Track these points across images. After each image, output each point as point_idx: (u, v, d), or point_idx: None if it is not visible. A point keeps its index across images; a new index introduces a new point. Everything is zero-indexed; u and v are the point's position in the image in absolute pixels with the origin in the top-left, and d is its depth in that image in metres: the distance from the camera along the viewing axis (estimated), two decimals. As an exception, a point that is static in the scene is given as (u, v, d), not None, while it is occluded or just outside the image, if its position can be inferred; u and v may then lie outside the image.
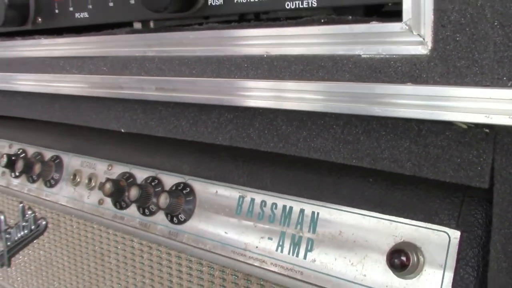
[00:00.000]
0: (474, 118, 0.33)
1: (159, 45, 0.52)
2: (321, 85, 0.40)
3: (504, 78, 0.32)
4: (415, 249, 0.43)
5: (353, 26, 0.38)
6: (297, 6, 0.44)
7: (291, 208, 0.52)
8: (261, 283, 0.53)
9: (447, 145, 0.36)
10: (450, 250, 0.41)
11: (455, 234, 0.41)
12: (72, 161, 0.76)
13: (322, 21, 0.42)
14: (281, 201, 0.52)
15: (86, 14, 0.63)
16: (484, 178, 0.35)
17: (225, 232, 0.56)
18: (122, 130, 0.60)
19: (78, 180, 0.74)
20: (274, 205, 0.53)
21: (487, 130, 0.34)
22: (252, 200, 0.55)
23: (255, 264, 0.53)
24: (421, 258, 0.43)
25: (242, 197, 0.55)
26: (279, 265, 0.51)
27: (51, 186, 0.77)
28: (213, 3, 0.49)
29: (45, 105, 0.70)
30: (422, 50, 0.36)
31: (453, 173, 0.36)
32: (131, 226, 0.65)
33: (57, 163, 0.77)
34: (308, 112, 0.44)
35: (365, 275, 0.45)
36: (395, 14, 0.37)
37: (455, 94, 0.34)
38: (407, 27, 0.36)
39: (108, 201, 0.69)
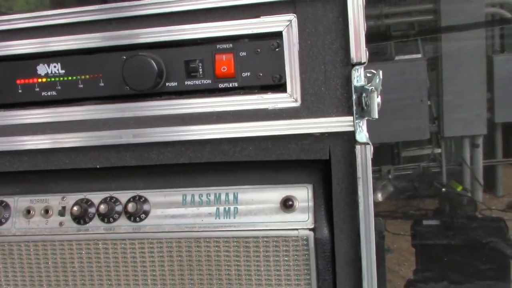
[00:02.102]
0: (321, 130, 0.83)
1: (135, 109, 0.87)
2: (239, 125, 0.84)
3: (331, 113, 0.82)
4: (293, 197, 0.90)
5: (263, 95, 0.84)
6: (225, 86, 0.87)
7: (219, 194, 0.92)
8: (207, 241, 0.92)
9: (311, 143, 0.84)
10: (309, 194, 0.90)
11: (310, 187, 0.90)
12: (19, 203, 0.98)
13: (242, 92, 0.86)
14: (212, 191, 0.93)
15: (54, 93, 0.91)
16: (326, 155, 0.84)
17: (178, 217, 0.93)
18: (97, 166, 0.91)
19: (33, 213, 0.97)
20: (208, 194, 0.93)
21: (327, 134, 0.84)
22: (192, 195, 0.93)
23: (203, 230, 0.92)
24: (296, 202, 0.90)
25: (184, 195, 0.93)
26: (219, 227, 0.91)
27: (1, 224, 0.97)
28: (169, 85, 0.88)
29: (11, 158, 0.93)
30: (296, 104, 0.83)
31: (314, 155, 0.85)
32: (96, 233, 0.94)
33: (4, 205, 0.98)
34: (229, 138, 0.87)
35: (270, 217, 0.90)
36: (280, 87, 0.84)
37: (314, 122, 0.83)
38: (289, 95, 0.83)
39: (69, 222, 0.95)
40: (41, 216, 0.96)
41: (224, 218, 0.91)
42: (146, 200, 0.94)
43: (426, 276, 2.40)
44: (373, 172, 0.83)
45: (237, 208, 0.91)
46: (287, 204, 0.88)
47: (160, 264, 0.93)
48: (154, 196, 0.94)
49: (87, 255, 0.95)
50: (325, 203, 0.89)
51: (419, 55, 3.52)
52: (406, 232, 3.17)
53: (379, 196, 3.87)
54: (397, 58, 3.54)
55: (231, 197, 0.91)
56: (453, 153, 4.11)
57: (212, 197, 0.92)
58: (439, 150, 3.95)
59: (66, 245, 0.96)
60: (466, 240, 2.38)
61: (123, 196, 0.94)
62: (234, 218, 0.91)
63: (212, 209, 0.92)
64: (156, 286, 0.94)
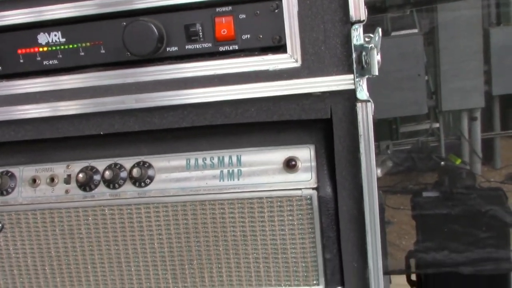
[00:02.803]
0: (322, 89, 0.84)
1: (137, 75, 0.88)
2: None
3: (332, 72, 0.83)
4: (296, 158, 0.91)
5: (263, 56, 0.85)
6: (226, 49, 0.87)
7: (223, 157, 0.94)
8: (212, 203, 0.93)
9: (312, 102, 0.85)
10: (312, 154, 0.91)
11: (313, 147, 0.91)
12: (24, 173, 0.99)
13: (242, 55, 0.86)
14: (215, 154, 0.94)
15: (55, 61, 0.92)
16: (327, 114, 0.85)
17: (182, 181, 0.94)
18: (101, 133, 0.92)
19: (38, 182, 0.98)
20: (212, 158, 0.94)
21: (327, 93, 0.85)
22: (196, 159, 0.94)
23: (207, 193, 0.93)
24: (299, 162, 0.91)
25: (188, 159, 0.94)
26: (223, 189, 0.93)
27: (8, 193, 0.98)
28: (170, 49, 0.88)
29: (16, 128, 0.94)
30: (296, 64, 0.84)
31: (315, 114, 0.86)
32: (102, 199, 0.96)
33: (10, 175, 0.99)
34: (231, 101, 0.88)
35: (273, 178, 0.91)
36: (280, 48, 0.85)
37: (314, 81, 0.83)
38: (289, 55, 0.84)
39: (75, 189, 0.97)
40: (47, 184, 0.97)
41: (228, 180, 0.92)
42: (150, 166, 0.95)
43: (426, 246, 2.42)
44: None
45: (240, 170, 0.92)
46: (290, 165, 0.90)
47: (166, 228, 0.94)
48: (158, 161, 0.95)
49: (94, 222, 0.97)
50: (327, 163, 0.90)
51: (415, 30, 3.51)
52: (406, 206, 3.20)
53: (379, 172, 3.88)
54: (393, 34, 3.53)
55: (234, 159, 0.93)
56: (451, 127, 4.13)
57: (215, 160, 0.93)
58: (437, 125, 3.96)
59: (73, 212, 0.97)
60: (465, 210, 2.41)
61: (128, 162, 0.96)
62: (238, 180, 0.92)
63: (216, 172, 0.93)
64: (163, 249, 0.95)
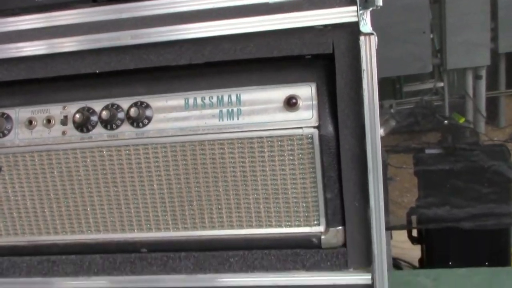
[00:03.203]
0: (324, 22, 0.81)
1: (132, 9, 0.85)
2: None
3: (334, 4, 0.80)
4: (297, 96, 0.88)
5: (263, -13, 0.81)
6: None
7: (222, 96, 0.91)
8: (211, 143, 0.92)
9: (314, 37, 0.83)
10: (313, 92, 0.88)
11: (314, 85, 0.88)
12: (20, 114, 0.97)
13: None
14: (214, 93, 0.91)
15: (47, -5, 0.89)
16: (329, 48, 0.83)
17: (181, 121, 0.92)
18: (97, 71, 0.89)
19: (35, 124, 0.96)
20: (210, 97, 0.92)
21: (330, 27, 0.82)
22: (195, 98, 0.92)
23: (206, 133, 0.91)
24: (300, 100, 0.89)
25: (187, 98, 0.92)
26: (223, 129, 0.91)
27: (4, 135, 0.97)
28: (166, -19, 0.85)
29: (8, 67, 0.91)
30: (297, -4, 0.81)
31: (317, 49, 0.83)
32: (100, 140, 0.94)
33: (6, 117, 0.97)
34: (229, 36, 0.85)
35: (274, 117, 0.89)
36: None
37: (316, 13, 0.80)
38: (290, -14, 0.81)
39: (72, 130, 0.95)
40: (43, 126, 0.96)
41: (227, 119, 0.90)
42: (148, 106, 0.93)
43: (428, 202, 2.42)
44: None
45: (240, 109, 0.90)
46: (290, 103, 0.87)
47: (165, 169, 0.93)
48: (156, 101, 0.93)
49: (92, 163, 0.95)
50: (329, 101, 0.88)
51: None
52: (409, 165, 3.19)
53: (381, 131, 3.86)
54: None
55: (234, 98, 0.90)
56: (455, 86, 4.08)
57: (214, 99, 0.91)
58: (441, 84, 3.91)
59: (70, 153, 0.95)
60: (468, 166, 2.39)
61: (125, 102, 0.93)
62: (238, 119, 0.90)
63: (215, 111, 0.91)
64: (162, 191, 0.94)
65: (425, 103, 4.01)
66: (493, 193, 2.32)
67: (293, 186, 0.90)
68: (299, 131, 0.88)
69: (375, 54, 0.81)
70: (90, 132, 0.94)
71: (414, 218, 2.56)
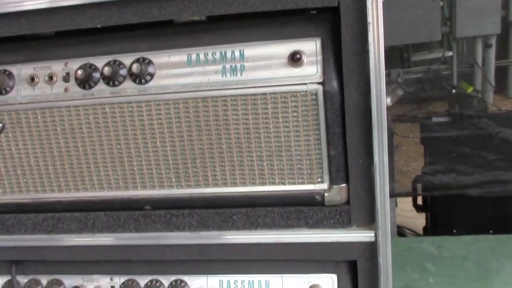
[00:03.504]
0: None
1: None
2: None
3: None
4: (301, 51, 0.87)
5: None
6: None
7: (225, 51, 0.90)
8: (214, 100, 0.91)
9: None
10: (318, 48, 0.87)
11: (319, 40, 0.87)
12: (22, 71, 0.96)
13: None
14: (218, 49, 0.90)
15: None
16: (334, 1, 0.81)
17: (183, 77, 0.91)
18: (99, 26, 0.88)
19: (37, 80, 0.95)
20: (213, 53, 0.90)
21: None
22: (197, 54, 0.91)
23: (209, 89, 0.90)
24: (304, 56, 0.87)
25: (189, 54, 0.91)
26: (226, 85, 0.90)
27: (6, 92, 0.96)
28: None
29: (9, 22, 0.90)
30: None
31: (322, 1, 0.81)
32: (102, 97, 0.93)
33: (8, 74, 0.96)
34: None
35: (277, 72, 0.88)
36: None
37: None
38: None
39: (74, 87, 0.94)
40: (45, 83, 0.95)
41: (230, 75, 0.89)
42: (150, 62, 0.91)
43: (434, 169, 2.42)
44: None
45: (243, 65, 0.89)
46: (294, 58, 0.86)
47: (168, 126, 0.93)
48: (158, 57, 0.91)
49: (95, 120, 0.95)
50: (334, 56, 0.86)
51: None
52: (415, 135, 3.17)
53: (388, 101, 3.83)
54: None
55: (237, 54, 0.89)
56: (464, 55, 4.02)
57: (217, 55, 0.90)
58: (450, 53, 3.86)
59: (73, 110, 0.95)
60: (475, 133, 2.38)
61: (127, 58, 0.92)
62: (241, 75, 0.89)
63: (218, 67, 0.89)
64: (165, 148, 0.94)
65: (433, 73, 3.97)
66: (500, 160, 2.30)
67: (297, 143, 0.90)
68: (303, 87, 0.87)
69: (381, 7, 0.79)
70: (93, 89, 0.93)
71: (419, 186, 2.56)
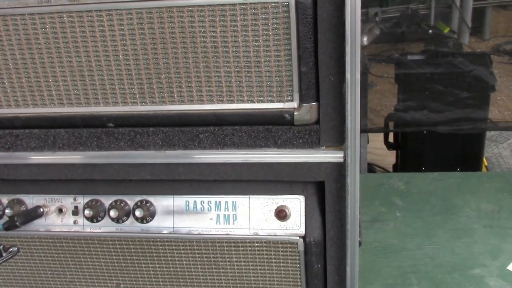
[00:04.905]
0: None
1: None
2: None
3: None
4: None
5: None
6: None
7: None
8: (180, 10, 0.85)
9: None
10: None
11: None
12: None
13: None
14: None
15: None
16: None
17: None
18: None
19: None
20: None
21: None
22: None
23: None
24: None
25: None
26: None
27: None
28: None
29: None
30: None
31: None
32: (59, 4, 0.87)
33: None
34: None
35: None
36: None
37: None
38: None
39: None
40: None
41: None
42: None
43: (407, 105, 2.42)
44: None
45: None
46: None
47: (131, 38, 0.87)
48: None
49: (52, 30, 0.89)
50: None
51: None
52: (390, 74, 3.16)
53: (365, 40, 3.79)
54: None
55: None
56: (443, -5, 3.97)
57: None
58: (429, -8, 3.80)
59: (28, 19, 0.88)
60: (449, 71, 2.37)
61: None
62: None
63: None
64: (128, 62, 0.89)
65: (411, 12, 3.91)
66: (472, 98, 2.32)
67: (267, 59, 0.86)
68: (275, -3, 0.82)
69: None
70: (50, -5, 0.87)
71: (391, 123, 2.57)
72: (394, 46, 3.77)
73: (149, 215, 0.97)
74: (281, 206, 0.95)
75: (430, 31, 3.64)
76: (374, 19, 3.86)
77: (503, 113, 2.50)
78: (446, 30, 3.64)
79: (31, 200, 1.02)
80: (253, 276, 0.99)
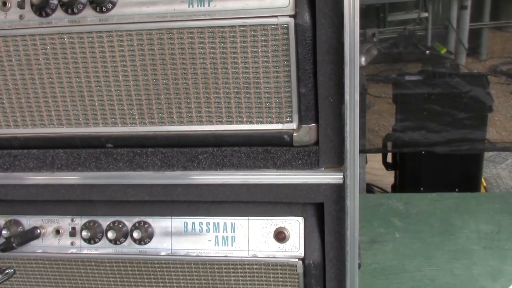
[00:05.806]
0: None
1: None
2: None
3: None
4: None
5: None
6: None
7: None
8: (180, 32, 0.86)
9: None
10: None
11: (291, -30, 0.82)
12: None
13: None
14: None
15: None
16: None
17: (147, 6, 0.85)
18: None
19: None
20: None
21: None
22: None
23: (175, 20, 0.85)
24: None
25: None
26: (192, 16, 0.85)
27: None
28: None
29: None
30: None
31: None
32: (60, 26, 0.87)
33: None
34: None
35: (247, 3, 0.83)
36: None
37: None
38: None
39: (29, 14, 0.87)
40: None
41: (198, 5, 0.84)
42: None
43: (404, 126, 2.43)
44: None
45: None
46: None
47: (131, 59, 0.88)
48: (121, -17, 0.86)
49: (52, 51, 0.89)
50: (307, -12, 0.82)
51: None
52: (388, 95, 3.18)
53: (363, 61, 3.82)
54: None
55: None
56: (439, 17, 4.02)
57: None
58: (426, 14, 3.84)
59: (29, 40, 0.89)
60: (446, 91, 2.39)
61: (87, -15, 0.86)
62: (209, 5, 0.84)
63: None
64: (128, 82, 0.89)
65: (408, 33, 3.95)
66: (469, 119, 2.33)
67: (266, 80, 0.86)
68: (274, 20, 0.83)
69: None
70: (50, 17, 0.87)
71: (389, 144, 2.58)
72: (392, 66, 3.79)
73: (147, 237, 0.96)
74: (280, 227, 0.94)
75: (427, 51, 3.67)
76: (371, 40, 3.90)
77: (501, 133, 2.51)
78: (443, 51, 3.67)
79: (28, 221, 1.01)
80: (252, 299, 0.98)
